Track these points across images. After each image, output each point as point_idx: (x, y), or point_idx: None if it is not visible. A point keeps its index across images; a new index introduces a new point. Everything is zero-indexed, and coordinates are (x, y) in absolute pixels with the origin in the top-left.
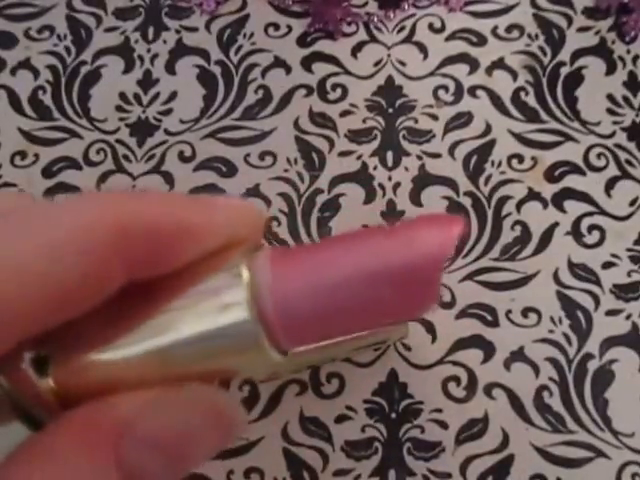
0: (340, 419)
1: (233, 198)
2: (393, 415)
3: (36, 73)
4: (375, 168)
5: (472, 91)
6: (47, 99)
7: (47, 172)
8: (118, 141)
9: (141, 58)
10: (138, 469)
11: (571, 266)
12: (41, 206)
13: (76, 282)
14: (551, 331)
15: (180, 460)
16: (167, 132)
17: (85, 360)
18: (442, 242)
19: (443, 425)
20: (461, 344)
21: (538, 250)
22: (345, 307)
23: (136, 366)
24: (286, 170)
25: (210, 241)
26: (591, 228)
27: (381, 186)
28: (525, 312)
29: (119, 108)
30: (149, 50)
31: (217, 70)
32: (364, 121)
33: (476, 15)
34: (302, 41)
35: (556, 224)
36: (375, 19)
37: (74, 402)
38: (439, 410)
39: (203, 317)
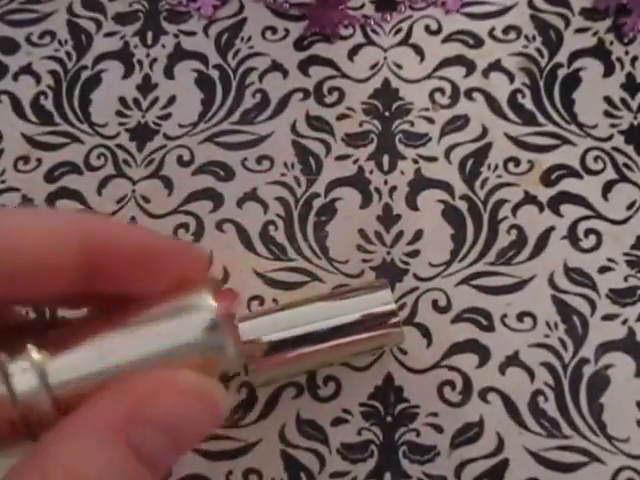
0: (336, 422)
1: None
2: (389, 418)
3: (38, 78)
4: (371, 172)
5: (468, 94)
6: (49, 104)
7: (49, 177)
8: (118, 146)
9: (140, 63)
10: (147, 450)
11: (567, 270)
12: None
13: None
14: (547, 336)
15: (181, 440)
16: (166, 136)
17: (75, 357)
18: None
19: (438, 429)
20: (456, 348)
21: (534, 254)
22: None
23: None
24: (283, 174)
25: (164, 270)
26: (588, 232)
27: (377, 190)
28: (520, 317)
29: (119, 113)
30: (148, 55)
31: (215, 74)
32: (360, 124)
33: (473, 17)
34: (299, 44)
35: (552, 228)
36: (372, 22)
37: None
38: (434, 414)
39: (179, 326)
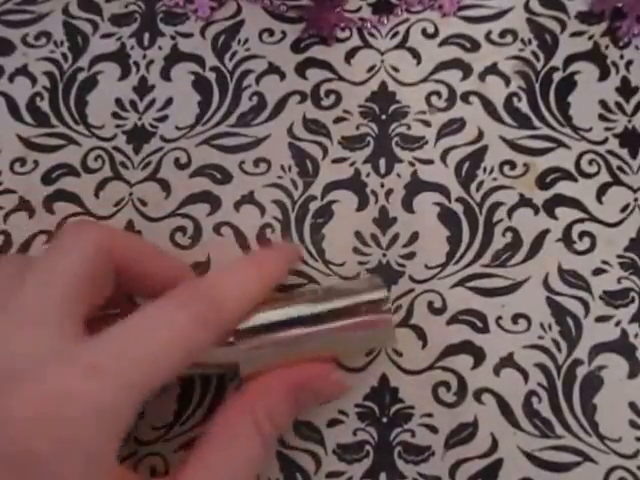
0: (332, 423)
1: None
2: (384, 419)
3: (33, 80)
4: (368, 175)
5: (465, 97)
6: (45, 106)
7: (46, 179)
8: (115, 148)
9: (137, 64)
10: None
11: (561, 272)
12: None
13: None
14: (541, 337)
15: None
16: (163, 139)
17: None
18: None
19: (433, 429)
20: (451, 350)
21: (529, 256)
22: None
23: None
24: (280, 177)
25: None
26: (582, 235)
27: (374, 193)
28: (515, 318)
29: (115, 115)
30: (145, 56)
31: (212, 76)
32: (357, 127)
33: (469, 20)
34: (296, 47)
35: (547, 230)
36: (369, 24)
37: None
38: (429, 415)
39: None
